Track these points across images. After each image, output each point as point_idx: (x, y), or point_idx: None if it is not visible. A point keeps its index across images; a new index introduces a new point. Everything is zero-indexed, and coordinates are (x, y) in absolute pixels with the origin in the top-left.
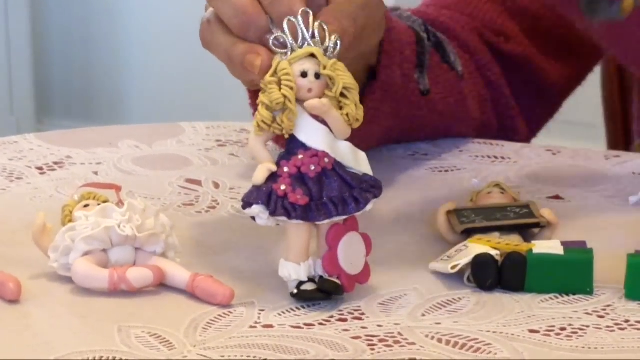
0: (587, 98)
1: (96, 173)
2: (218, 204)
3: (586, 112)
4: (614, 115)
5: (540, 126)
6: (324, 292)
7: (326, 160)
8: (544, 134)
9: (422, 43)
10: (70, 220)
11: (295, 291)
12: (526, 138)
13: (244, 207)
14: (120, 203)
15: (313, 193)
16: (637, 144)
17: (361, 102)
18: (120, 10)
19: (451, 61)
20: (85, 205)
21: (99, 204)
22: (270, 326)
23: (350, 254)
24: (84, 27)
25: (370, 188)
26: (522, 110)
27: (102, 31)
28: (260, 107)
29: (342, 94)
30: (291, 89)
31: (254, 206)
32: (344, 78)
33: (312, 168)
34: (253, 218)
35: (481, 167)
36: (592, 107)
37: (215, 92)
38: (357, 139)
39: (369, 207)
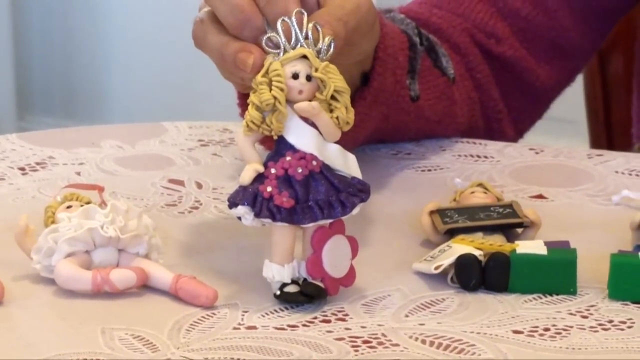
0: (569, 95)
1: (79, 173)
2: (201, 204)
3: (568, 109)
4: (596, 113)
5: (528, 127)
6: (306, 295)
7: (314, 162)
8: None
9: (414, 48)
10: (53, 222)
11: (278, 293)
12: (513, 139)
13: (230, 207)
14: (103, 204)
15: (299, 195)
16: (637, 146)
17: (352, 106)
18: (101, 8)
19: (442, 66)
20: (68, 207)
21: (81, 205)
22: (254, 327)
23: (335, 257)
24: (65, 23)
25: (357, 192)
26: (510, 111)
27: (83, 28)
28: (250, 107)
29: (333, 97)
30: (281, 90)
31: (240, 207)
32: (335, 81)
33: (300, 170)
34: (239, 218)
35: (464, 166)
36: (573, 104)
37: (197, 91)
38: (343, 140)
39: (355, 211)
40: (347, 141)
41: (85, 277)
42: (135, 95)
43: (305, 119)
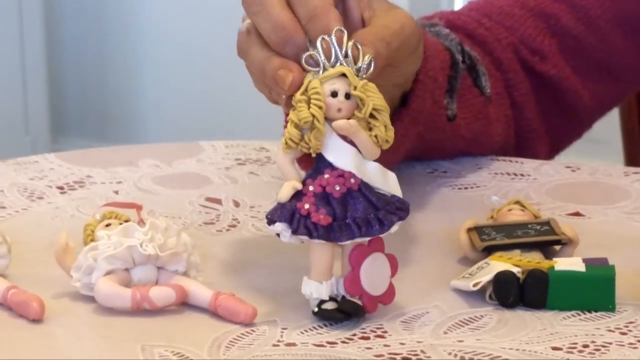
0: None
1: (117, 192)
2: (239, 222)
3: (601, 129)
4: (632, 133)
5: (564, 146)
6: (344, 312)
7: (352, 180)
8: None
9: (456, 67)
10: (92, 240)
11: (316, 309)
12: (545, 157)
13: (268, 224)
14: (141, 222)
15: (337, 213)
16: None
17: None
18: (135, 29)
19: (482, 85)
20: (107, 225)
21: (120, 223)
22: (293, 344)
23: (373, 274)
24: (99, 45)
25: (395, 210)
26: (548, 129)
27: (116, 50)
28: (289, 125)
29: (371, 115)
30: (320, 108)
31: (277, 223)
32: (374, 99)
33: (337, 188)
34: (277, 235)
35: (501, 184)
36: (606, 124)
37: (231, 110)
38: (380, 160)
39: (393, 229)
40: (384, 162)
41: (125, 294)
42: (168, 117)
43: (344, 137)
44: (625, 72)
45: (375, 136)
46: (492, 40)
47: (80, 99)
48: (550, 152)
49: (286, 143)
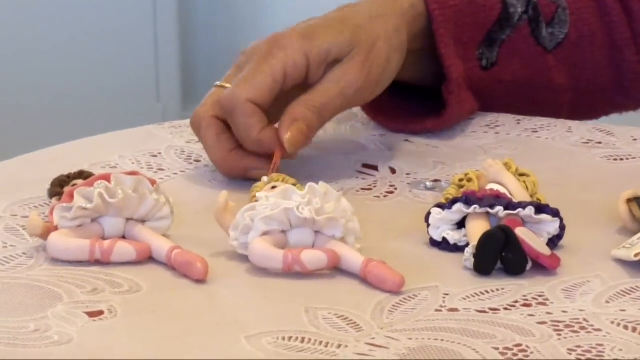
0: None
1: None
2: (395, 189)
3: None
4: None
5: None
6: (501, 229)
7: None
8: None
9: (503, 22)
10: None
11: (473, 255)
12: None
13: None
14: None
15: None
16: None
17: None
18: None
19: (541, 35)
20: (273, 187)
21: None
22: (456, 310)
23: (527, 236)
24: (231, 12)
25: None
26: None
27: (249, 17)
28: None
29: None
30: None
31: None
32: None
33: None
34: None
35: None
36: None
37: None
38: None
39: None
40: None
41: (277, 256)
42: None
43: None
44: None
45: None
46: None
47: (211, 67)
48: None
49: None
